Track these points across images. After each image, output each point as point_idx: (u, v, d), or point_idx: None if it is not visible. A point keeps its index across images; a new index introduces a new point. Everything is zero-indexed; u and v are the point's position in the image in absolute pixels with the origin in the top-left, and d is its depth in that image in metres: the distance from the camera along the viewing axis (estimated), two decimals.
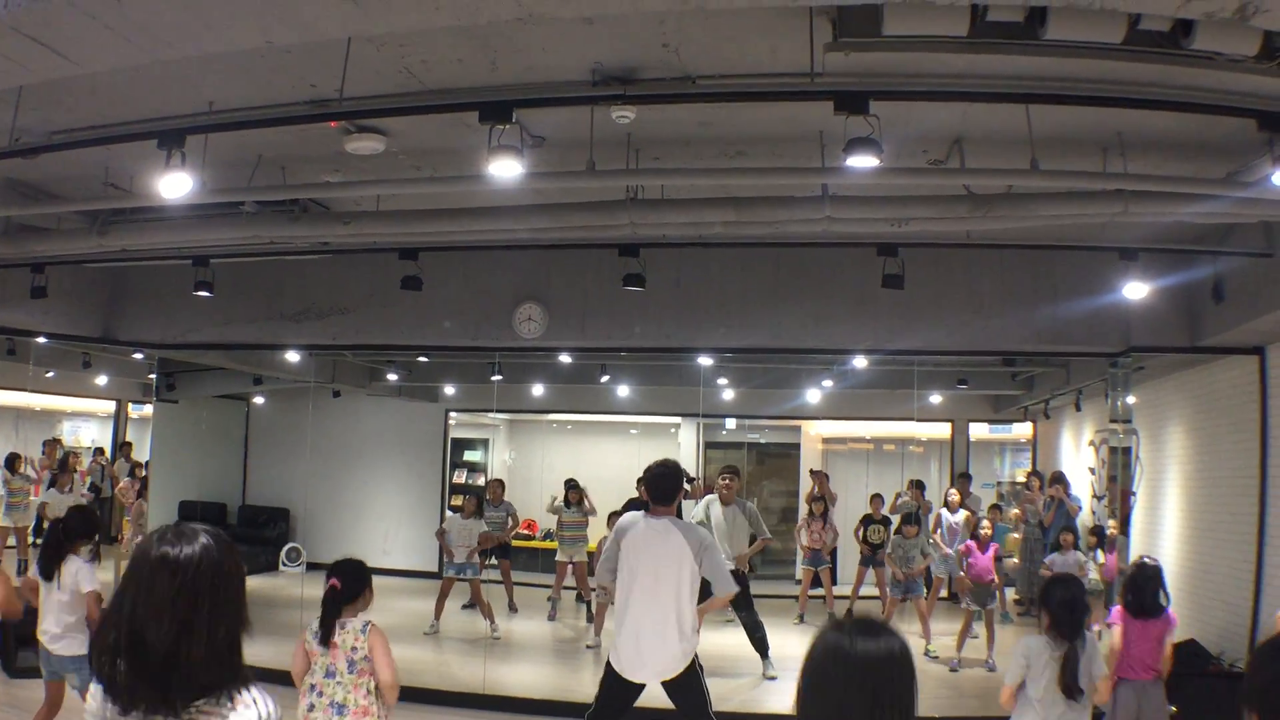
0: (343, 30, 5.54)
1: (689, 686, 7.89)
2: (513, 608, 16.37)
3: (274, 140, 8.45)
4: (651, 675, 7.88)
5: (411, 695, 11.25)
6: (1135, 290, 10.59)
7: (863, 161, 6.87)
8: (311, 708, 6.55)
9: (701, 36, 6.45)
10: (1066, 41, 5.95)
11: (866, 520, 15.80)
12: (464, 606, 15.93)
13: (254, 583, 9.43)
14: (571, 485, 15.90)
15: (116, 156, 8.76)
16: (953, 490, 15.72)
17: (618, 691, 7.98)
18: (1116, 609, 8.46)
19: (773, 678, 12.51)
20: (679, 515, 8.26)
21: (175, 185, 7.57)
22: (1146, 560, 8.80)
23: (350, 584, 6.75)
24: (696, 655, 7.92)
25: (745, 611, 12.64)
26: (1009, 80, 6.83)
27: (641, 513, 8.10)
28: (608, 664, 8.03)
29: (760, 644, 12.66)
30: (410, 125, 8.00)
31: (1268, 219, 8.62)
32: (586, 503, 15.77)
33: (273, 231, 9.57)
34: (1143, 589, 8.39)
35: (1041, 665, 6.67)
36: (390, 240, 10.57)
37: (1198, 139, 7.80)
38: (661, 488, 8.02)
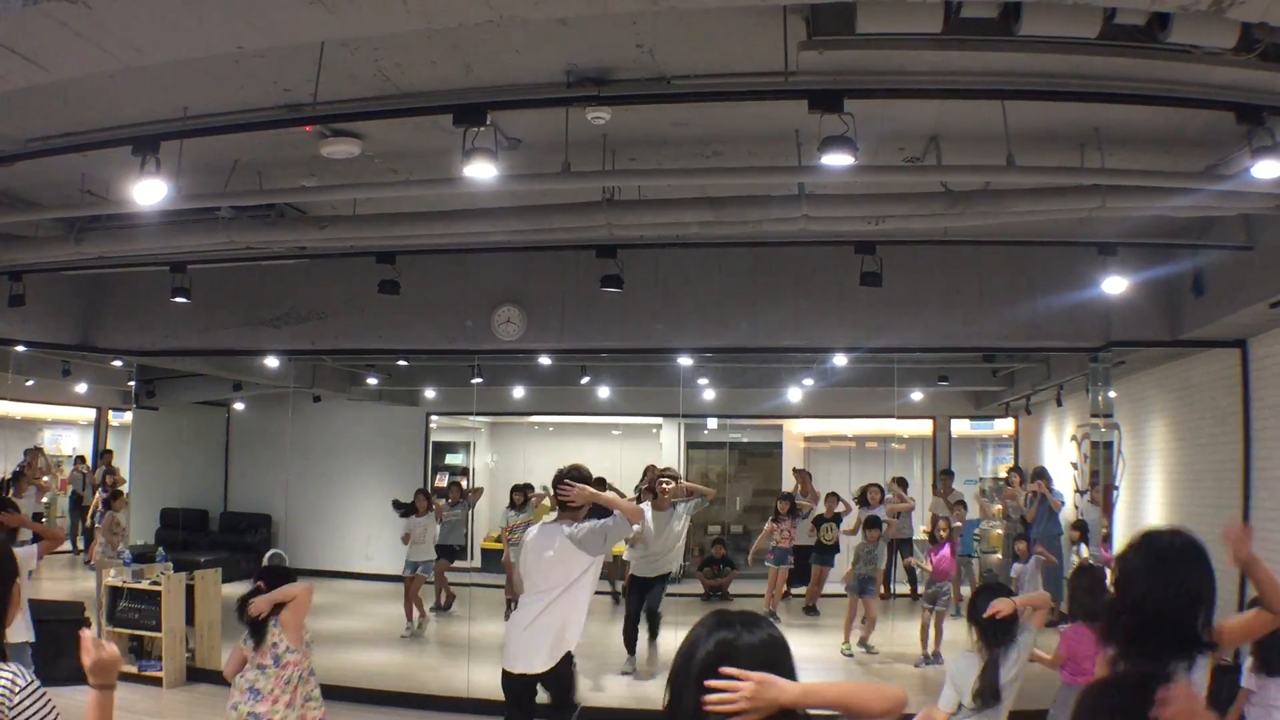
0: (314, 35, 5.52)
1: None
2: (444, 606, 16.42)
3: (249, 145, 8.42)
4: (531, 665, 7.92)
5: (392, 700, 11.27)
6: (1114, 285, 10.60)
7: (838, 160, 6.88)
8: (234, 686, 7.04)
9: (675, 37, 6.44)
10: (1041, 37, 5.96)
11: (819, 520, 15.80)
12: (432, 609, 15.99)
13: (237, 589, 9.38)
14: (516, 489, 15.91)
15: (93, 163, 8.70)
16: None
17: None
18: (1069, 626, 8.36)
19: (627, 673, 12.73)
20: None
21: (150, 191, 7.56)
22: (1091, 563, 8.77)
23: (273, 585, 7.08)
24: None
25: (653, 604, 12.70)
26: (984, 77, 6.83)
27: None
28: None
29: (653, 630, 12.81)
30: (385, 129, 7.98)
31: (1247, 212, 8.63)
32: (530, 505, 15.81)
33: (249, 236, 9.52)
34: (1092, 593, 8.34)
35: (967, 681, 6.67)
36: (367, 244, 10.53)
37: (1176, 132, 7.81)
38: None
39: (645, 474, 15.18)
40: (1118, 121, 7.57)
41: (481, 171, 7.30)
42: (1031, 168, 7.66)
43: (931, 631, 13.48)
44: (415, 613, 15.30)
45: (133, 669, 12.40)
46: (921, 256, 11.47)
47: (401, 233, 9.38)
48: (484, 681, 12.17)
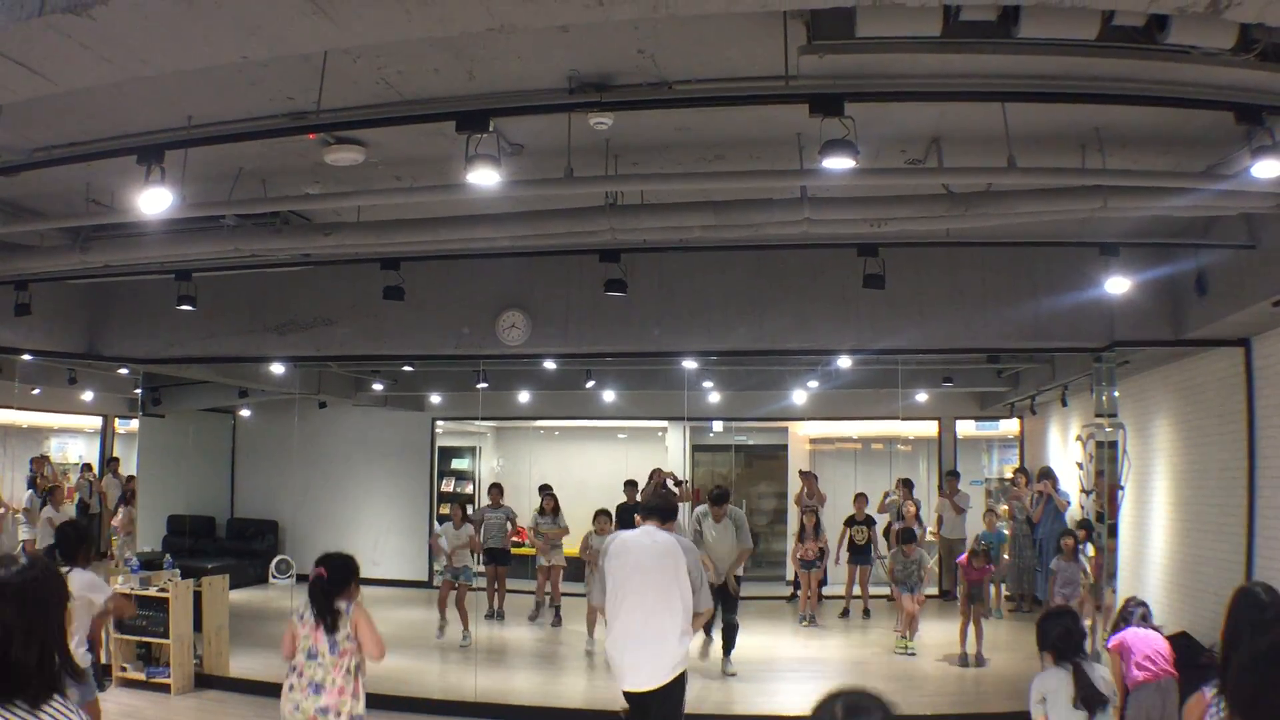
0: (317, 44, 5.53)
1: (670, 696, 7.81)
2: (499, 615, 16.35)
3: (254, 153, 8.43)
4: (644, 681, 7.73)
5: (404, 705, 11.28)
6: (1117, 285, 10.61)
7: (839, 163, 6.90)
8: (291, 687, 6.89)
9: (676, 42, 6.46)
10: (1040, 39, 5.98)
11: (850, 521, 15.89)
12: (486, 616, 15.96)
13: (244, 595, 9.40)
14: (546, 492, 15.91)
15: (97, 173, 8.73)
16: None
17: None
18: (1114, 637, 8.47)
19: (732, 674, 12.89)
20: None
21: (155, 200, 7.57)
22: (1133, 601, 8.84)
23: (335, 574, 7.02)
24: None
25: (730, 614, 12.78)
26: (984, 79, 6.83)
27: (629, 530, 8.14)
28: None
29: (729, 643, 13.00)
30: (388, 136, 7.99)
31: (1248, 211, 8.65)
32: (561, 517, 15.82)
33: (254, 244, 9.56)
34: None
35: (1058, 695, 6.71)
36: (371, 251, 10.55)
37: (1176, 133, 7.82)
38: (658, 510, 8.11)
39: (650, 477, 15.22)
40: (1118, 122, 7.58)
41: (485, 178, 7.32)
42: (1033, 169, 7.67)
43: (971, 630, 13.50)
44: (461, 624, 14.95)
45: (140, 675, 12.45)
46: (924, 258, 11.48)
47: (405, 239, 9.40)
48: (491, 687, 12.22)
